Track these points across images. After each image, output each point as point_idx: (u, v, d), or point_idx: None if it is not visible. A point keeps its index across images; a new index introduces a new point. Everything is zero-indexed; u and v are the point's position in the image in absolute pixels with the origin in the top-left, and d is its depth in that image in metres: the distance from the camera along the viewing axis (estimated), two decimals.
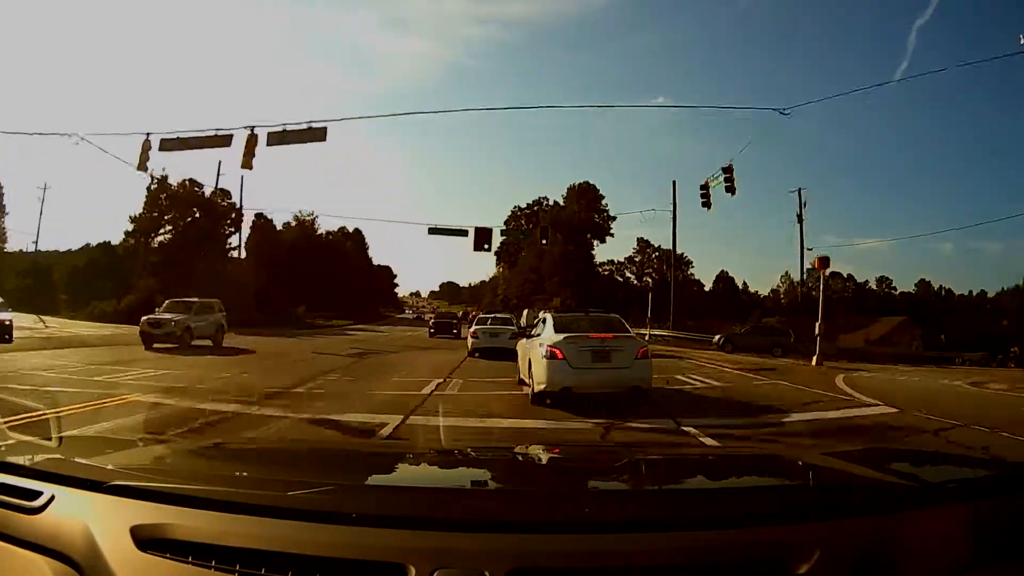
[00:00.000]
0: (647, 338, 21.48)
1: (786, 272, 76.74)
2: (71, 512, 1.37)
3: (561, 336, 9.50)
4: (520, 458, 2.51)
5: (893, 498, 1.51)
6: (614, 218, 71.49)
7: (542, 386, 9.26)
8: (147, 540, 1.27)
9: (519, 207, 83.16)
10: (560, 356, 9.16)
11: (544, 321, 10.80)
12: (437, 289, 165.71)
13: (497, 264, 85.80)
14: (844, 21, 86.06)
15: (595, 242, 70.89)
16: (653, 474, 2.21)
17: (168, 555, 1.24)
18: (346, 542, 1.23)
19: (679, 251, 75.92)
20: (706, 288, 72.85)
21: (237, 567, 1.19)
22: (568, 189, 76.56)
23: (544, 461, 2.45)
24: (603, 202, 71.58)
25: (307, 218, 63.75)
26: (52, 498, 1.41)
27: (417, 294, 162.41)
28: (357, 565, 1.18)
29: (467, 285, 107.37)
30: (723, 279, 77.14)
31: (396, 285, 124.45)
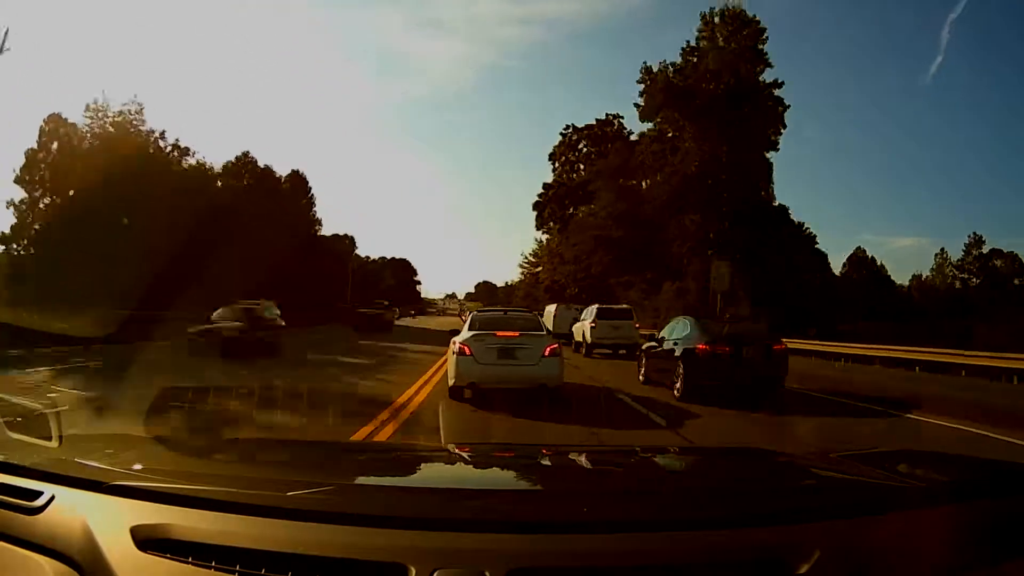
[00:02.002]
0: None
1: (941, 250, 53.73)
2: (71, 512, 1.37)
3: (471, 334, 9.76)
4: (520, 458, 2.51)
5: (893, 498, 1.51)
6: (780, 84, 37.74)
7: (452, 380, 9.54)
8: (147, 540, 1.27)
9: (573, 126, 52.16)
10: (468, 352, 9.40)
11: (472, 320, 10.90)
12: (472, 290, 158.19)
13: (539, 228, 54.90)
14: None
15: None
16: (653, 474, 2.21)
17: (168, 555, 1.24)
18: (346, 542, 1.23)
19: (799, 219, 40.42)
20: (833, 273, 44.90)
21: (237, 567, 1.19)
22: (704, 13, 39.44)
23: (544, 461, 2.44)
24: (764, 55, 36.72)
25: (113, 113, 31.44)
26: (52, 498, 1.41)
27: (453, 296, 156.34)
28: (357, 565, 1.18)
29: (503, 284, 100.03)
30: (859, 261, 50.71)
31: (418, 282, 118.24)
